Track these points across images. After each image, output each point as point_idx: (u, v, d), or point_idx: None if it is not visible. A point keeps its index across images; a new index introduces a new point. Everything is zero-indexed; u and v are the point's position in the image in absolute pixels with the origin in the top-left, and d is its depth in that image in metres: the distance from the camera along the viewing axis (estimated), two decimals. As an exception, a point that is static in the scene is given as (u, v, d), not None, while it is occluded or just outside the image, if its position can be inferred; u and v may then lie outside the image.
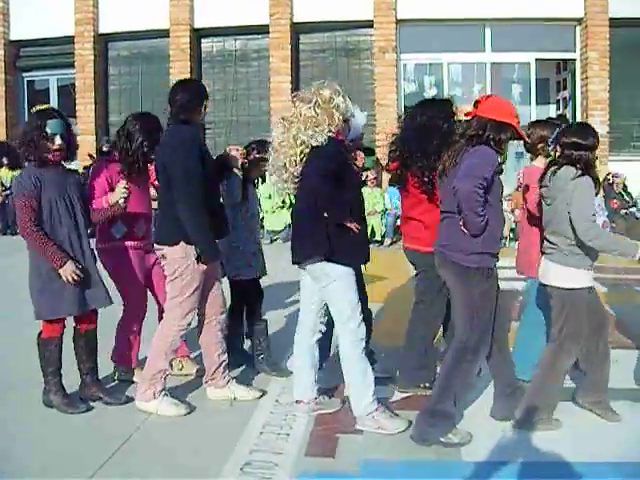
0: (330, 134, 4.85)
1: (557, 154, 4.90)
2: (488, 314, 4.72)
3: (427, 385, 5.47)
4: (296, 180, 4.99)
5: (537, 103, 15.89)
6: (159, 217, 5.33)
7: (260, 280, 6.33)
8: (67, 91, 17.24)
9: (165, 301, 5.41)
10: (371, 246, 5.57)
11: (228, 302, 5.82)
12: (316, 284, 5.01)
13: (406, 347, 5.68)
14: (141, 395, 5.20)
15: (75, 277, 4.94)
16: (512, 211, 6.50)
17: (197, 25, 16.45)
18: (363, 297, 5.33)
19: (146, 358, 5.33)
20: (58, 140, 4.98)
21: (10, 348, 6.69)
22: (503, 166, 4.89)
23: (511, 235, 11.88)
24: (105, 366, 5.63)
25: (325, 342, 5.43)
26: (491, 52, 16.04)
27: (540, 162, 5.48)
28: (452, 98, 5.70)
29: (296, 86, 16.00)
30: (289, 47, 16.02)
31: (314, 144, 4.84)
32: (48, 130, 4.94)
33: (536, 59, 15.98)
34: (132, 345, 5.81)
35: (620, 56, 15.42)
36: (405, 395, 5.51)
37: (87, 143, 15.62)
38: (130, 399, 5.29)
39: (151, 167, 5.67)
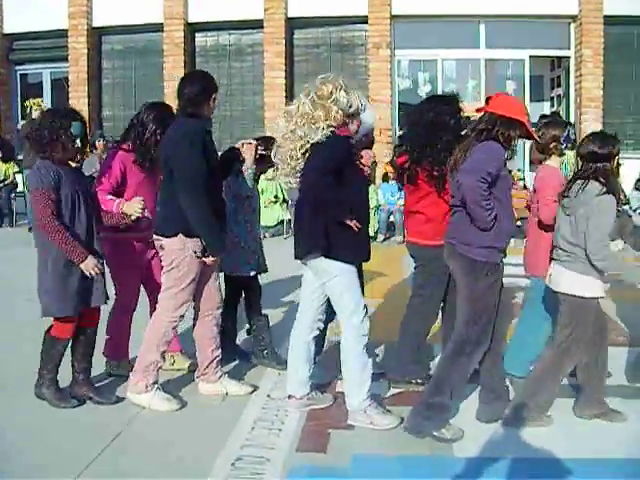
0: (330, 130, 4.82)
1: (579, 166, 4.93)
2: (491, 308, 4.74)
3: (419, 381, 5.48)
4: (298, 175, 4.98)
5: (531, 100, 15.89)
6: (160, 208, 5.31)
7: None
8: (60, 85, 17.19)
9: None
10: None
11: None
12: (317, 280, 5.01)
13: (400, 342, 5.68)
14: (133, 387, 5.19)
15: (97, 271, 4.94)
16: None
17: (191, 19, 16.42)
18: None
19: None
20: (78, 142, 5.03)
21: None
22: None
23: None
24: (96, 364, 5.57)
25: (319, 338, 5.43)
26: (485, 49, 16.03)
27: (554, 161, 5.48)
28: (458, 95, 5.70)
29: (290, 81, 16.02)
30: (283, 42, 16.00)
31: (313, 140, 4.83)
32: (73, 131, 4.97)
33: (530, 56, 15.98)
34: (124, 338, 5.81)
35: (614, 54, 15.44)
36: (397, 391, 5.52)
37: (80, 137, 15.43)
38: (121, 399, 5.25)
39: None
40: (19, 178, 14.89)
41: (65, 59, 16.75)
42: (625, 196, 14.18)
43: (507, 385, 5.12)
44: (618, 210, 4.82)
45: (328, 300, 5.09)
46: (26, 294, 8.34)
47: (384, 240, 13.65)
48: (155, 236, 5.25)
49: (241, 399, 5.34)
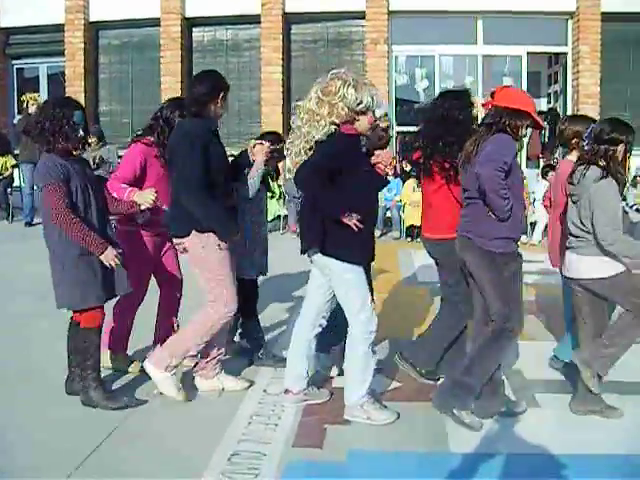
0: (332, 128, 4.80)
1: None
2: (517, 296, 4.84)
3: (422, 372, 5.48)
4: None
5: (528, 96, 15.86)
6: (171, 210, 5.27)
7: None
8: (57, 79, 17.14)
9: (174, 280, 5.70)
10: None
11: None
12: (323, 276, 5.01)
13: (428, 332, 5.77)
14: (155, 359, 5.17)
15: (117, 261, 4.88)
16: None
17: (188, 14, 16.39)
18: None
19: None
20: (81, 132, 4.97)
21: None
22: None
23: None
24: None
25: (342, 330, 5.32)
26: (483, 45, 16.03)
27: (574, 157, 5.50)
28: (470, 89, 5.75)
29: (287, 77, 16.00)
30: (280, 37, 15.97)
31: (315, 138, 4.83)
32: (75, 120, 4.91)
33: (528, 52, 15.98)
34: (125, 331, 5.80)
35: (611, 50, 15.44)
36: (395, 386, 5.52)
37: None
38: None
39: None
40: (15, 173, 14.84)
41: (62, 54, 16.71)
42: (626, 184, 14.20)
43: (504, 381, 5.12)
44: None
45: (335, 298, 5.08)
46: (21, 288, 8.38)
47: (381, 236, 13.64)
48: (175, 240, 5.24)
49: (237, 394, 5.33)
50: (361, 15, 15.84)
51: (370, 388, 4.94)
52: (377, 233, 13.60)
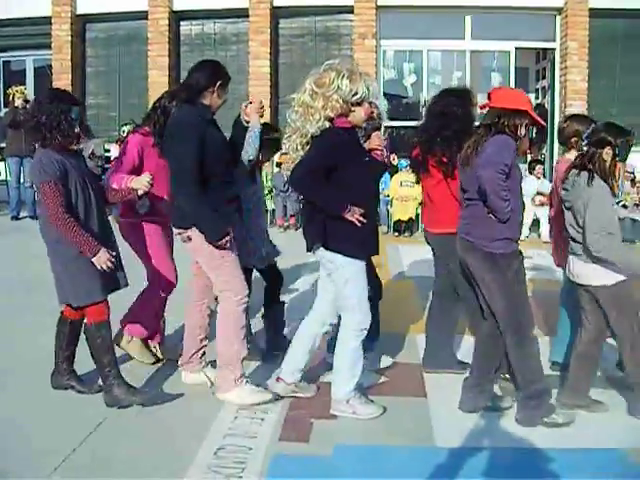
0: (326, 122, 4.76)
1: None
2: (523, 293, 4.84)
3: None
4: None
5: (516, 92, 15.89)
6: (172, 200, 5.16)
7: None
8: (44, 72, 17.01)
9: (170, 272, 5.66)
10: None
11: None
12: (325, 271, 5.00)
13: (434, 332, 5.84)
14: (221, 383, 5.08)
15: (109, 264, 4.76)
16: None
17: (176, 8, 16.30)
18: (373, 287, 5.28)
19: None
20: (77, 128, 4.88)
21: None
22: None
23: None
24: (80, 354, 5.51)
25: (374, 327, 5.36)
26: (471, 40, 16.02)
27: (574, 155, 5.49)
28: (471, 89, 5.82)
29: (275, 71, 15.97)
30: (268, 31, 15.91)
31: (309, 132, 4.79)
32: (72, 115, 4.83)
33: (516, 48, 15.99)
34: (150, 318, 5.82)
35: (599, 46, 15.48)
36: (381, 381, 5.53)
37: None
38: (103, 388, 5.13)
39: None
40: (1, 166, 14.77)
41: (48, 46, 16.56)
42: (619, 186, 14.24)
43: (492, 377, 5.12)
44: None
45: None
46: (6, 283, 8.34)
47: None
48: (176, 230, 5.15)
49: (224, 388, 5.32)
50: (349, 9, 15.81)
51: (357, 383, 4.94)
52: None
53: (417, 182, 6.09)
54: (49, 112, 4.77)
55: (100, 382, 5.13)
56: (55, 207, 4.65)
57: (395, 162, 13.55)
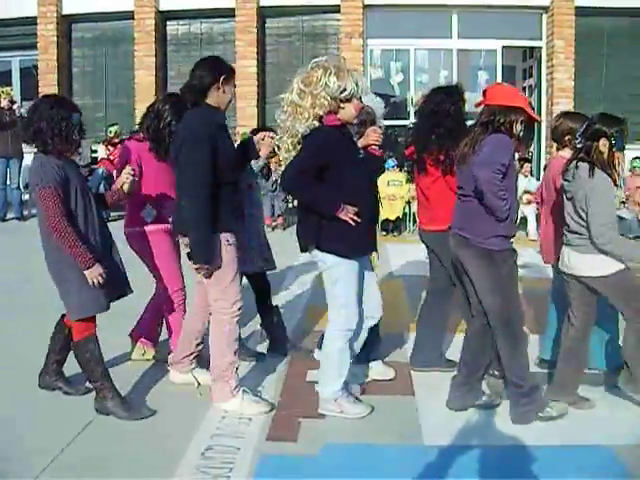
0: (315, 121, 4.72)
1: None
2: (516, 289, 4.88)
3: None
4: None
5: (503, 90, 15.92)
6: (178, 206, 4.94)
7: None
8: (30, 73, 16.95)
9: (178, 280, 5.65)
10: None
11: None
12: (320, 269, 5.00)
13: (423, 330, 5.86)
14: (218, 395, 5.00)
15: (100, 280, 4.64)
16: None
17: (162, 7, 16.27)
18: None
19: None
20: (77, 134, 4.79)
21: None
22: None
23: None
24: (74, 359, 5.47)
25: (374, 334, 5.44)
26: (458, 39, 16.06)
27: (567, 153, 5.49)
28: (460, 84, 5.84)
29: (262, 70, 15.95)
30: (255, 31, 15.90)
31: (299, 132, 4.76)
32: (73, 122, 4.74)
33: (503, 46, 16.06)
34: (156, 326, 5.89)
35: (585, 45, 15.55)
36: (368, 380, 5.51)
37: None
38: (90, 389, 5.08)
39: None
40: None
41: (34, 47, 16.49)
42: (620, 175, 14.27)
43: (480, 375, 5.12)
44: None
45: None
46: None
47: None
48: (182, 239, 4.99)
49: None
50: (336, 9, 15.82)
51: (345, 382, 4.93)
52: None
53: (409, 181, 6.13)
54: (50, 118, 4.66)
55: (87, 384, 5.11)
56: (54, 215, 4.55)
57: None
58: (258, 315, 6.33)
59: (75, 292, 4.71)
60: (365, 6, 15.74)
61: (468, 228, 4.78)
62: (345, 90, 4.71)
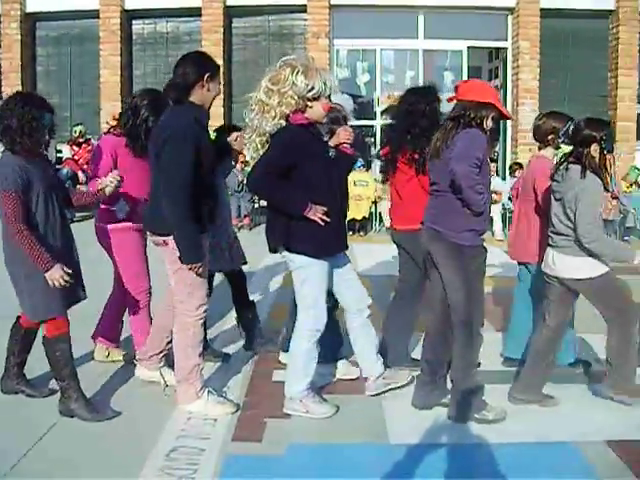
0: (282, 120, 4.72)
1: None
2: (481, 288, 4.89)
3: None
4: None
5: (469, 91, 16.03)
6: (151, 203, 4.86)
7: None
8: (-7, 72, 16.80)
9: (144, 278, 5.59)
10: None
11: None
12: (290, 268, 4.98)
13: (390, 330, 5.82)
14: (183, 397, 4.95)
15: (62, 282, 4.54)
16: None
17: (128, 6, 16.18)
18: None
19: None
20: (47, 134, 4.69)
21: None
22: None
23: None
24: (34, 361, 5.32)
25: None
26: (424, 39, 16.16)
27: (548, 152, 5.53)
28: (435, 84, 5.84)
29: (228, 70, 15.90)
30: (222, 31, 15.89)
31: (266, 131, 4.75)
32: (44, 122, 4.64)
33: (468, 47, 16.20)
34: (117, 324, 5.86)
35: (550, 46, 15.73)
36: (334, 379, 5.52)
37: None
38: (54, 392, 5.03)
39: None
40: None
41: (-2, 45, 16.36)
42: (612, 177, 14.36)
43: (443, 373, 5.14)
44: None
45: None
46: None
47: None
48: (152, 236, 4.91)
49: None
50: (302, 9, 15.84)
51: (310, 382, 4.93)
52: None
53: (376, 181, 6.14)
54: (20, 117, 4.56)
55: (50, 386, 5.08)
56: (12, 218, 4.48)
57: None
58: (230, 314, 6.31)
59: (27, 295, 4.69)
60: (331, 6, 15.78)
61: (441, 222, 4.78)
62: (313, 89, 4.70)
